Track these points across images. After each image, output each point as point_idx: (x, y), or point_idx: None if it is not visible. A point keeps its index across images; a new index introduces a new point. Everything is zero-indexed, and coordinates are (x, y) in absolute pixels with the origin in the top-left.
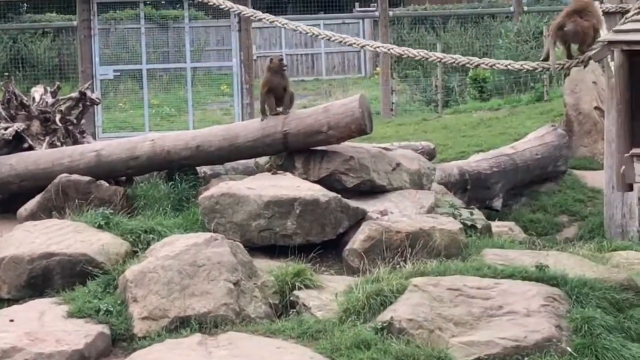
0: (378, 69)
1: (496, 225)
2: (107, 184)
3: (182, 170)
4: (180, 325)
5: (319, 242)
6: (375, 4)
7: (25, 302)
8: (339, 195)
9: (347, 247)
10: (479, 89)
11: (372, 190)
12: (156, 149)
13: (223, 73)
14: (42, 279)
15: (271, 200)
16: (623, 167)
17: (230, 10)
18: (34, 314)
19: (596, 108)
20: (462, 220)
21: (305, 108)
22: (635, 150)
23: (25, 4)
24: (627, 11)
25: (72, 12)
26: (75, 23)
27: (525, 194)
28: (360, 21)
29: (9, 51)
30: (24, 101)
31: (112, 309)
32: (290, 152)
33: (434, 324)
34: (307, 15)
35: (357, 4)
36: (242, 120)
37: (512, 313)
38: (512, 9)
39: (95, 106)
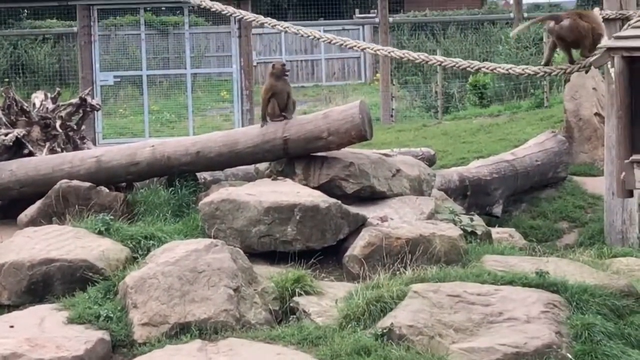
0: (378, 75)
1: (496, 232)
2: (107, 190)
3: (182, 176)
4: (181, 332)
5: (319, 248)
6: (376, 11)
7: (25, 308)
8: (339, 202)
9: (347, 253)
10: (479, 95)
11: (372, 197)
12: (156, 155)
13: (223, 79)
14: (43, 285)
15: (271, 207)
16: (623, 173)
17: (232, 15)
18: (34, 320)
19: (596, 114)
20: (462, 227)
21: (306, 114)
22: (635, 157)
23: (25, 10)
24: (628, 17)
25: (73, 19)
26: (75, 29)
27: (526, 200)
28: (361, 27)
29: (10, 57)
30: (25, 107)
31: (112, 315)
32: (291, 158)
33: (434, 330)
34: (307, 21)
35: (357, 10)
36: (242, 126)
37: (512, 319)
38: (512, 15)
39: (95, 112)
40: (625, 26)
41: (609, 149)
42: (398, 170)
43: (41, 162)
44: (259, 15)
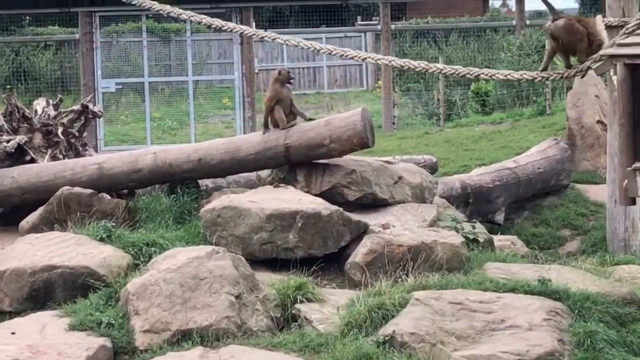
0: (380, 82)
1: (498, 239)
2: (109, 197)
3: (184, 183)
4: (182, 339)
5: (321, 255)
6: (378, 18)
7: (27, 314)
8: (341, 209)
9: (349, 260)
10: (481, 102)
11: (374, 204)
12: (158, 162)
13: (225, 86)
14: (44, 291)
15: (273, 214)
16: (626, 181)
17: (233, 30)
18: (35, 327)
19: (599, 122)
20: (464, 234)
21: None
22: (638, 164)
23: (27, 17)
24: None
25: (75, 25)
26: (77, 36)
27: (528, 208)
28: (363, 34)
29: (12, 64)
30: (26, 114)
31: (113, 322)
32: (292, 165)
33: (436, 338)
34: (309, 28)
35: (359, 18)
36: (244, 133)
37: (515, 327)
38: (514, 22)
39: (97, 119)
40: (623, 30)
41: (611, 157)
42: (400, 178)
43: (43, 168)
44: (259, 30)
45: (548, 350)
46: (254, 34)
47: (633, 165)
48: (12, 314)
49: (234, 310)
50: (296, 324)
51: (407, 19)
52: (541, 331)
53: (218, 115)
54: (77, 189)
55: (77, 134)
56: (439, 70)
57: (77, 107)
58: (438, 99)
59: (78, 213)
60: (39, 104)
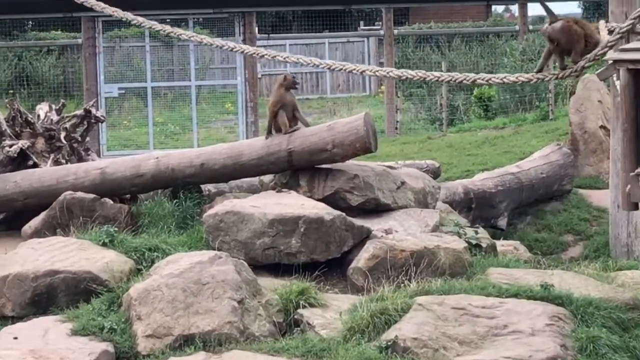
0: (382, 87)
1: (501, 244)
2: (111, 202)
3: (187, 188)
4: (185, 344)
5: (324, 260)
6: (380, 23)
7: (29, 319)
8: (344, 214)
9: (352, 265)
10: (484, 107)
11: (377, 209)
12: (161, 166)
13: (227, 91)
14: (47, 296)
15: (275, 219)
16: (628, 186)
17: (233, 50)
18: (38, 332)
19: (602, 127)
20: (466, 239)
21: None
22: None
23: (30, 22)
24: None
25: (77, 30)
26: (80, 41)
27: (531, 213)
28: (365, 39)
29: (14, 69)
30: (29, 119)
31: (116, 327)
32: (295, 170)
33: (439, 343)
34: (312, 33)
35: (362, 23)
36: (247, 138)
37: (517, 332)
38: (517, 27)
39: (100, 124)
40: (615, 33)
41: (614, 162)
42: (403, 183)
43: (45, 173)
44: (259, 48)
45: (551, 356)
46: (254, 53)
47: (636, 171)
48: (14, 319)
49: (236, 315)
50: (299, 329)
51: (409, 24)
52: (544, 336)
53: (221, 120)
54: (79, 194)
55: (79, 138)
56: (435, 78)
57: (79, 111)
58: (441, 104)
59: (80, 218)
60: (42, 108)
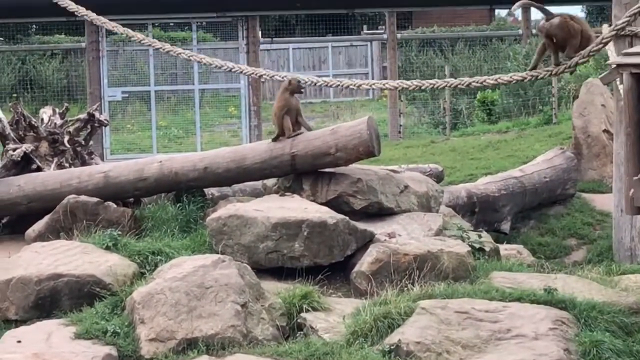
0: (386, 91)
1: (504, 248)
2: (115, 206)
3: (190, 191)
4: (188, 347)
5: (327, 264)
6: (384, 27)
7: (32, 323)
8: (347, 218)
9: (355, 269)
10: (487, 111)
11: (380, 213)
12: (164, 170)
13: (231, 95)
14: (50, 300)
15: (279, 222)
16: (632, 190)
17: (232, 70)
18: (41, 335)
19: (605, 131)
20: (470, 243)
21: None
22: None
23: (34, 26)
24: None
25: (81, 34)
26: (83, 44)
27: (534, 217)
28: (369, 43)
29: (18, 72)
30: (33, 122)
31: (119, 331)
32: (298, 174)
33: (442, 347)
34: (315, 37)
35: (365, 27)
36: (250, 142)
37: (520, 336)
38: (520, 31)
39: (103, 128)
40: (610, 29)
41: (617, 166)
42: (406, 187)
43: (49, 177)
44: (258, 69)
45: None
46: (253, 73)
47: (639, 175)
48: (18, 323)
49: (239, 319)
50: (302, 332)
51: (413, 28)
52: (547, 340)
53: (224, 124)
54: (83, 198)
55: (83, 142)
56: (430, 86)
57: (83, 115)
58: (444, 108)
59: (84, 221)
60: (46, 112)
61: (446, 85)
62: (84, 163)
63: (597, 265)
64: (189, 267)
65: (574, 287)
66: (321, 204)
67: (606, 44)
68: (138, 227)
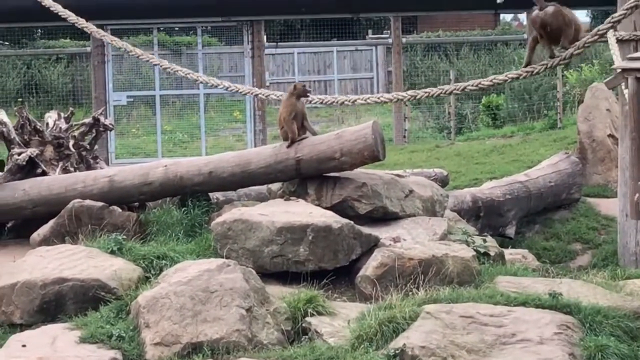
0: None
1: (509, 253)
2: (120, 210)
3: (195, 196)
4: (193, 352)
5: (332, 268)
6: (389, 31)
7: (37, 327)
8: (352, 222)
9: (360, 273)
10: (492, 116)
11: (385, 217)
12: (169, 174)
13: (236, 99)
14: (55, 304)
15: (284, 227)
16: (637, 195)
17: (229, 89)
18: (46, 339)
19: (610, 136)
20: (475, 248)
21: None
22: None
23: (39, 30)
24: None
25: (86, 38)
26: (89, 49)
27: (539, 222)
28: (374, 48)
29: (23, 77)
30: (38, 127)
31: (124, 335)
32: (303, 179)
33: (447, 352)
34: (320, 42)
35: (370, 31)
36: (255, 146)
37: (525, 341)
38: (525, 36)
39: (108, 132)
40: (607, 21)
41: (622, 171)
42: (411, 191)
43: (54, 181)
44: (253, 88)
45: None
46: (249, 92)
47: None
48: (22, 327)
49: (244, 323)
50: (307, 337)
51: (418, 32)
52: (552, 345)
53: (229, 128)
54: (88, 202)
55: (88, 146)
56: (426, 94)
57: (88, 120)
58: (449, 113)
59: (89, 226)
60: (51, 116)
61: (441, 93)
62: (89, 167)
63: (602, 270)
64: (194, 272)
65: (579, 292)
66: (326, 208)
67: (602, 35)
68: (143, 232)
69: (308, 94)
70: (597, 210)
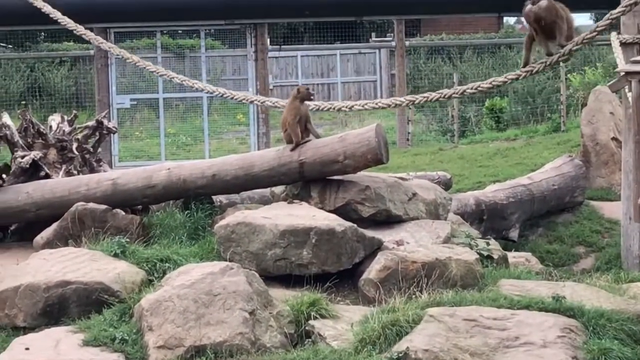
0: None
1: (512, 256)
2: (123, 213)
3: (198, 199)
4: (196, 354)
5: (335, 271)
6: (392, 34)
7: (41, 330)
8: (355, 225)
9: (363, 276)
10: (496, 119)
11: (388, 220)
12: (172, 177)
13: (239, 102)
14: (58, 307)
15: (287, 230)
16: None
17: (224, 96)
18: (49, 343)
19: (613, 139)
20: (478, 251)
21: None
22: None
23: (43, 33)
24: None
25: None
26: (92, 52)
27: (542, 225)
28: (377, 51)
29: (27, 80)
30: (41, 130)
31: (127, 338)
32: (307, 182)
33: (450, 355)
34: (323, 44)
35: (373, 34)
36: (258, 149)
37: (529, 344)
38: None
39: (111, 135)
40: (605, 17)
41: (626, 174)
42: (414, 194)
43: (57, 184)
44: (248, 94)
45: None
46: (243, 99)
47: None
48: (26, 330)
49: (247, 326)
50: (310, 340)
51: (421, 35)
52: (555, 348)
53: (232, 131)
54: (91, 205)
55: (91, 149)
56: (425, 99)
57: (91, 123)
58: (452, 116)
59: (92, 229)
60: (54, 119)
61: (440, 97)
62: (92, 170)
63: (606, 273)
64: (197, 275)
65: (582, 295)
66: (329, 211)
67: (600, 32)
68: (146, 235)
69: (312, 97)
70: (600, 213)
